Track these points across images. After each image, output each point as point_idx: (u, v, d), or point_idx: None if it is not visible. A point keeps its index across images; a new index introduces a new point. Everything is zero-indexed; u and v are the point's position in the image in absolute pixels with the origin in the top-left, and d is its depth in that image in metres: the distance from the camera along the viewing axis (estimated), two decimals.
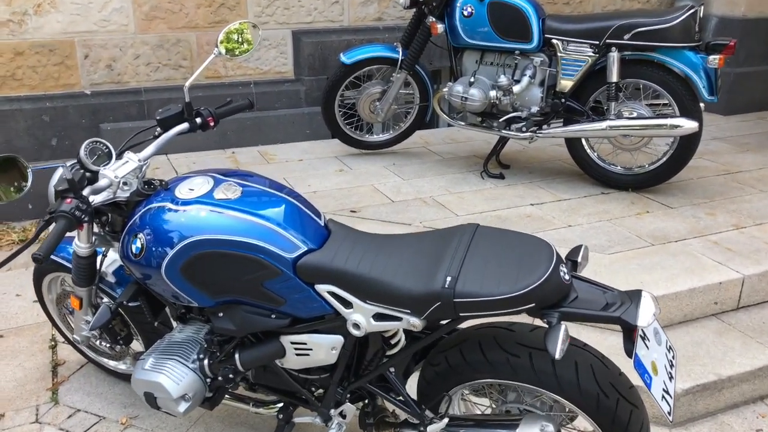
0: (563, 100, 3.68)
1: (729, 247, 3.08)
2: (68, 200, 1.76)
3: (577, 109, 3.69)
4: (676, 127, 3.41)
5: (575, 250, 1.82)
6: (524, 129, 3.77)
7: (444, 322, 1.81)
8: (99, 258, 2.27)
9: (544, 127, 3.80)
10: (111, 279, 2.36)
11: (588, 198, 3.70)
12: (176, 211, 1.89)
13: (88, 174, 2.03)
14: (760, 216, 3.44)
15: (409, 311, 1.73)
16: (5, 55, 4.11)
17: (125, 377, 2.69)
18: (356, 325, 1.84)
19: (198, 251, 1.84)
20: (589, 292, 1.69)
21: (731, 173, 4.11)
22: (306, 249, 1.85)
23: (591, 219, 3.41)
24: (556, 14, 3.88)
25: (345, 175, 4.08)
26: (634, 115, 3.60)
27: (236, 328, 1.95)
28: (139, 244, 1.90)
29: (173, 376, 1.97)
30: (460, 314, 1.66)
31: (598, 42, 3.51)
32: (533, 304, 1.62)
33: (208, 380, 2.05)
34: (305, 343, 1.94)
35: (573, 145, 3.85)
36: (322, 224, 1.97)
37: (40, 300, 2.65)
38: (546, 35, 3.65)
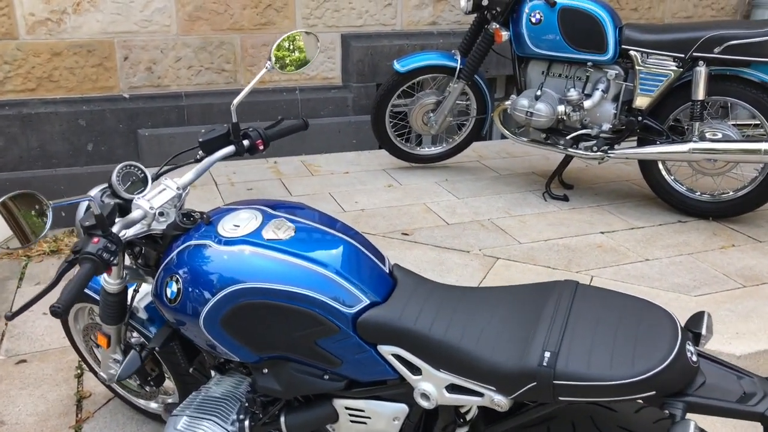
0: (640, 118, 3.33)
1: None
2: (95, 240, 1.50)
3: (655, 128, 3.34)
4: None
5: (697, 320, 1.50)
6: (595, 148, 3.43)
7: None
8: (130, 292, 2.02)
9: (616, 146, 3.45)
10: (143, 315, 2.11)
11: (664, 227, 3.35)
12: (219, 251, 1.62)
13: (119, 201, 1.79)
14: None
15: (494, 388, 1.43)
16: (42, 55, 3.92)
17: (155, 416, 2.44)
18: (425, 396, 1.55)
19: (242, 301, 1.57)
20: (720, 376, 1.37)
21: None
22: (368, 303, 1.57)
23: (670, 252, 3.06)
24: (634, 23, 3.53)
25: (395, 192, 3.80)
26: (719, 136, 3.24)
27: (283, 389, 1.67)
28: (175, 288, 1.64)
29: None
30: (559, 398, 1.36)
31: (683, 55, 3.15)
32: (653, 392, 1.31)
33: None
34: (363, 410, 1.66)
35: (647, 167, 3.50)
36: (387, 271, 1.68)
37: (66, 330, 2.41)
38: (623, 46, 3.31)
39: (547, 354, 1.35)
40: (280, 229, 1.64)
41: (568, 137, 3.50)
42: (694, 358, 1.34)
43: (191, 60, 4.18)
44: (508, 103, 3.64)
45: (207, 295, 1.59)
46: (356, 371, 1.60)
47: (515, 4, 3.49)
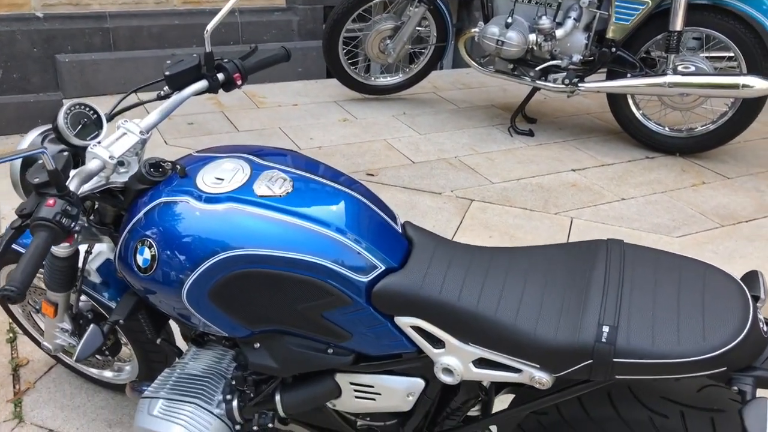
0: (613, 49, 3.17)
1: None
2: (51, 201, 1.19)
3: (628, 60, 3.19)
4: (749, 87, 2.95)
5: (751, 281, 1.36)
6: (566, 81, 3.25)
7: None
8: (81, 253, 1.72)
9: (586, 79, 3.29)
10: (95, 279, 1.81)
11: (633, 163, 3.26)
12: (202, 211, 1.35)
13: (66, 149, 1.47)
14: None
15: (536, 365, 1.26)
16: None
17: (110, 385, 2.17)
18: (448, 370, 1.37)
19: (235, 270, 1.32)
20: None
21: None
22: (383, 269, 1.35)
23: (644, 190, 2.97)
24: None
25: (351, 126, 3.52)
26: (692, 69, 3.13)
27: (279, 366, 1.45)
28: (148, 254, 1.36)
29: (195, 426, 1.48)
30: (616, 377, 1.20)
31: None
32: (724, 368, 1.17)
33: (237, 427, 1.56)
34: (371, 386, 1.47)
35: (616, 101, 3.37)
36: (400, 230, 1.46)
37: None
38: None
39: (606, 328, 1.18)
40: (275, 183, 1.38)
41: (537, 68, 3.31)
42: (766, 328, 1.20)
43: None
44: (475, 30, 3.39)
45: (191, 263, 1.32)
46: (367, 345, 1.40)
47: None
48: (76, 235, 1.50)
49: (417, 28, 3.61)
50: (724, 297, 1.20)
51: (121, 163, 1.49)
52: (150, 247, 1.35)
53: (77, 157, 1.49)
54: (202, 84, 1.56)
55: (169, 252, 1.34)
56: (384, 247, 1.37)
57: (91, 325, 1.58)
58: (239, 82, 1.60)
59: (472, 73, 4.55)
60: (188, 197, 1.37)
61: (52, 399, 2.18)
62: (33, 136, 1.51)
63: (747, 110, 3.14)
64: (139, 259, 1.37)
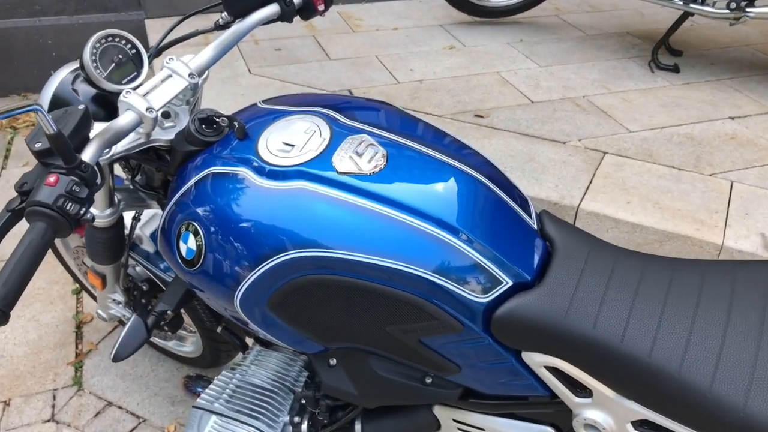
0: None
1: None
2: (52, 178, 0.85)
3: None
4: None
5: None
6: (731, 5, 2.61)
7: None
8: (127, 219, 1.42)
9: (757, 3, 2.63)
10: (148, 247, 1.52)
11: None
12: (264, 189, 0.99)
13: (98, 93, 1.15)
14: None
15: None
16: None
17: (174, 355, 1.93)
18: (593, 427, 0.98)
19: (304, 276, 0.96)
20: None
21: None
22: (511, 284, 0.95)
23: None
24: None
25: (458, 56, 3.03)
26: None
27: (360, 394, 1.10)
28: (193, 244, 1.02)
29: None
30: None
31: None
32: None
33: None
34: (482, 429, 1.10)
35: None
36: (535, 226, 1.04)
37: (53, 249, 1.83)
38: None
39: None
40: (363, 154, 0.99)
41: None
42: None
43: None
44: None
45: (248, 262, 0.97)
46: (481, 381, 1.01)
47: None
48: (106, 197, 1.18)
49: None
50: None
51: (166, 115, 1.14)
52: (195, 234, 1.01)
53: (108, 108, 1.16)
54: (271, 9, 1.17)
55: (219, 244, 0.99)
56: (513, 253, 0.96)
57: (133, 317, 1.28)
58: (321, 7, 1.19)
59: None
60: (246, 168, 1.01)
61: (113, 366, 1.96)
62: (64, 73, 1.19)
63: None
64: (183, 248, 1.03)
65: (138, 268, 1.55)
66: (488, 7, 3.32)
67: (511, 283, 0.94)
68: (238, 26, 1.16)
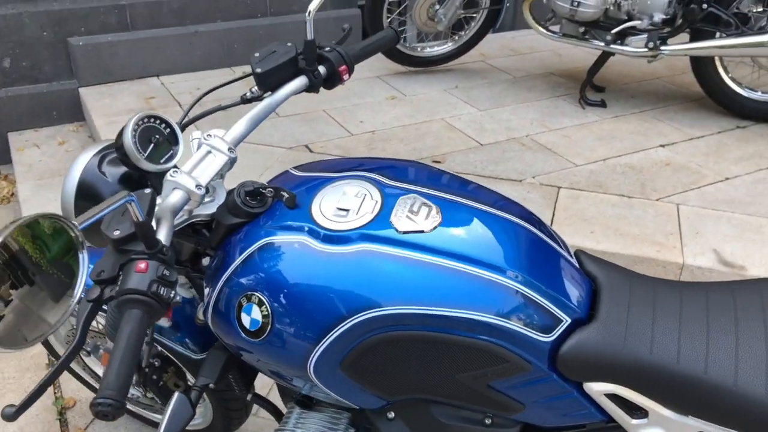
0: (704, 6, 2.79)
1: None
2: (142, 265, 0.86)
3: (722, 17, 2.81)
4: None
5: None
6: (649, 44, 2.88)
7: None
8: None
9: (670, 41, 2.92)
10: (163, 321, 1.49)
11: (725, 135, 2.90)
12: (328, 255, 1.02)
13: (131, 173, 1.16)
14: None
15: None
16: None
17: None
18: None
19: (377, 335, 0.99)
20: None
21: None
22: (569, 321, 1.02)
23: (746, 167, 2.63)
24: None
25: (401, 105, 3.16)
26: None
27: None
28: (258, 315, 1.03)
29: None
30: None
31: None
32: None
33: None
34: None
35: (702, 64, 2.99)
36: (576, 264, 1.13)
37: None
38: None
39: None
40: (418, 213, 1.04)
41: (613, 31, 2.93)
42: None
43: None
44: None
45: (321, 328, 1.00)
46: (543, 416, 1.08)
47: None
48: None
49: None
50: None
51: (207, 191, 1.16)
52: (260, 305, 1.03)
53: (142, 180, 1.16)
54: (300, 81, 1.21)
55: (287, 314, 1.01)
56: (566, 293, 1.04)
57: (176, 394, 1.25)
58: (345, 77, 1.25)
59: (518, 37, 4.17)
60: (305, 236, 1.04)
61: None
62: (87, 158, 1.18)
63: None
64: (245, 320, 1.04)
65: (144, 347, 1.51)
66: (421, 57, 3.49)
67: (570, 320, 1.01)
68: (269, 100, 1.19)
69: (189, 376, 1.56)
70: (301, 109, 3.09)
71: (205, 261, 1.22)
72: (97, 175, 1.15)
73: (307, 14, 1.16)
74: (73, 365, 1.83)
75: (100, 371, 1.84)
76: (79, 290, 0.84)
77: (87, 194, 1.15)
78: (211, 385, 1.24)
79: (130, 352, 0.81)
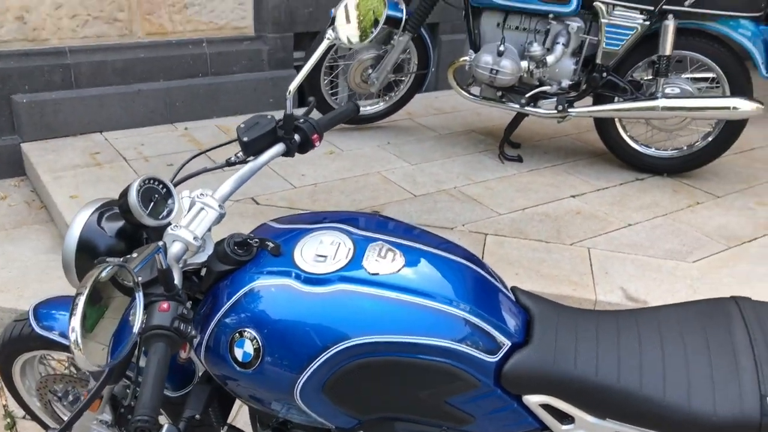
0: (604, 74, 3.20)
1: None
2: (165, 305, 1.03)
3: (619, 84, 3.22)
4: (738, 109, 3.04)
5: None
6: (558, 107, 3.25)
7: None
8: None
9: (576, 104, 3.31)
10: (142, 362, 1.63)
11: (627, 186, 3.29)
12: (310, 295, 1.21)
13: (126, 228, 1.32)
14: None
15: None
16: None
17: None
18: None
19: (356, 361, 1.19)
20: None
21: (746, 151, 3.86)
22: (510, 345, 1.26)
23: (646, 214, 3.00)
24: None
25: (340, 159, 3.40)
26: (677, 91, 3.20)
27: None
28: (250, 348, 1.21)
29: None
30: None
31: (652, 7, 3.02)
32: None
33: None
34: None
35: (604, 124, 3.40)
36: (513, 297, 1.37)
37: (8, 386, 1.83)
38: None
39: None
40: (386, 258, 1.26)
41: (527, 95, 3.29)
42: None
43: (75, 7, 3.39)
44: (465, 59, 3.34)
45: (306, 357, 1.18)
46: (488, 426, 1.29)
47: None
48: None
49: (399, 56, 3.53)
50: None
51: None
52: (252, 340, 1.21)
53: (137, 237, 1.33)
54: (279, 148, 1.42)
55: (277, 346, 1.19)
56: (506, 321, 1.27)
57: (166, 425, 1.40)
58: (317, 144, 1.46)
59: (441, 97, 4.52)
60: (289, 279, 1.23)
61: None
62: (86, 215, 1.33)
63: (731, 130, 3.24)
64: (238, 353, 1.22)
65: (117, 388, 1.63)
66: (359, 114, 3.75)
67: (510, 344, 1.24)
68: (252, 164, 1.39)
69: (164, 416, 1.68)
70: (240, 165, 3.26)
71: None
72: (97, 230, 1.31)
73: (287, 93, 1.38)
74: (40, 413, 1.91)
75: (66, 416, 1.92)
76: (138, 323, 0.99)
77: (87, 247, 1.31)
78: (197, 416, 1.39)
79: (158, 378, 0.97)
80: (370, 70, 3.56)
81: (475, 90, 3.50)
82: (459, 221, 2.83)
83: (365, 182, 3.15)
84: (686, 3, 2.98)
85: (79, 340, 0.91)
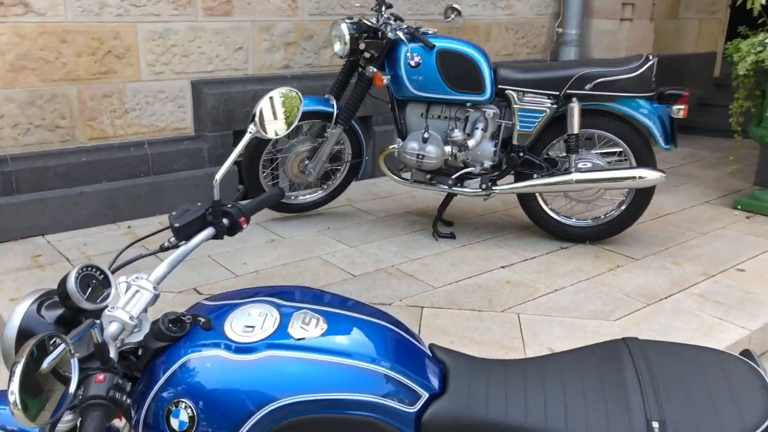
0: (521, 154, 3.47)
1: (717, 300, 3.03)
2: (101, 377, 1.13)
3: (535, 162, 3.50)
4: (643, 178, 3.34)
5: (749, 357, 1.52)
6: (484, 186, 3.50)
7: None
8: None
9: (499, 182, 3.56)
10: (117, 422, 1.68)
11: (552, 255, 3.51)
12: (239, 362, 1.32)
13: (66, 313, 1.41)
14: (718, 261, 3.47)
15: None
16: None
17: None
18: None
19: (284, 420, 1.29)
20: None
21: (661, 216, 4.17)
22: (428, 396, 1.38)
23: (570, 279, 3.20)
24: (505, 63, 3.71)
25: (281, 247, 3.53)
26: (589, 165, 3.49)
27: None
28: (185, 417, 1.30)
29: None
30: None
31: (558, 92, 3.35)
32: None
33: None
34: None
35: (526, 199, 3.65)
36: (429, 353, 1.50)
37: None
38: (499, 86, 3.44)
39: (656, 424, 1.27)
40: (309, 324, 1.38)
41: (453, 176, 3.53)
42: None
43: (17, 117, 3.52)
44: (393, 146, 3.58)
45: (237, 420, 1.28)
46: None
47: (392, 47, 3.47)
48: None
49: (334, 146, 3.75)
50: (745, 378, 1.34)
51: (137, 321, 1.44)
52: (186, 408, 1.30)
53: (75, 319, 1.42)
54: (209, 231, 1.55)
55: (210, 412, 1.29)
56: (423, 373, 1.40)
57: None
58: (244, 226, 1.60)
59: (379, 183, 4.75)
60: (220, 350, 1.34)
61: None
62: (26, 306, 1.42)
63: (642, 198, 3.53)
64: (174, 423, 1.31)
65: None
66: (295, 204, 3.93)
67: (428, 395, 1.36)
68: (184, 248, 1.51)
69: None
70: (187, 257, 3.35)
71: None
72: (37, 318, 1.39)
73: (214, 181, 1.53)
74: None
75: None
76: (73, 387, 1.08)
77: (27, 335, 1.39)
78: None
79: None
80: (306, 161, 3.76)
81: (407, 175, 3.72)
82: (396, 297, 2.97)
83: (306, 266, 3.28)
84: (587, 87, 3.32)
85: (18, 402, 0.99)
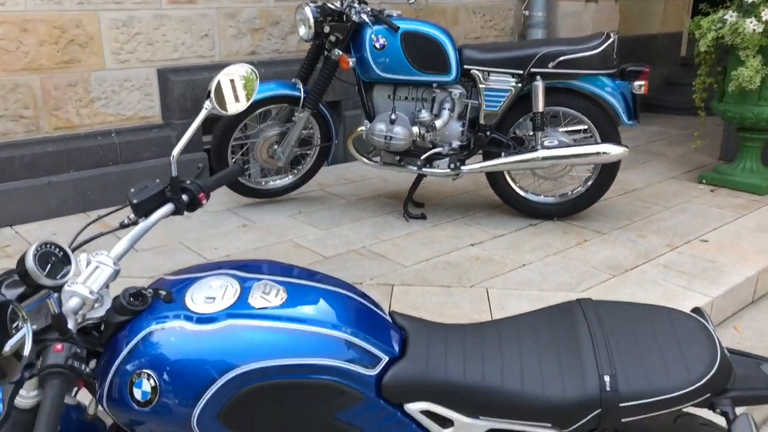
0: (488, 133, 3.51)
1: (681, 270, 3.10)
2: (59, 347, 1.14)
3: (502, 141, 3.54)
4: (607, 153, 3.39)
5: (700, 314, 1.58)
6: (452, 166, 3.53)
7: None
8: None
9: (467, 162, 3.60)
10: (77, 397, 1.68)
11: (521, 231, 3.56)
12: (200, 332, 1.34)
13: (27, 290, 1.41)
14: (683, 233, 3.55)
15: (548, 424, 1.36)
16: None
17: None
18: None
19: (246, 387, 1.31)
20: (743, 365, 1.45)
21: (628, 192, 4.25)
22: (387, 359, 1.41)
23: (538, 254, 3.26)
24: (470, 44, 3.73)
25: (253, 231, 3.54)
26: (555, 143, 3.54)
27: None
28: (147, 387, 1.31)
29: None
30: (623, 420, 1.33)
31: (522, 71, 3.39)
32: (708, 394, 1.34)
33: None
34: None
35: (495, 178, 3.69)
36: (390, 320, 1.53)
37: None
38: (464, 66, 3.47)
39: (607, 378, 1.32)
40: (269, 294, 1.41)
41: (422, 157, 3.56)
42: (728, 354, 1.40)
43: None
44: (362, 129, 3.60)
45: (199, 389, 1.30)
46: None
47: (357, 30, 3.48)
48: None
49: (302, 131, 3.76)
50: (693, 333, 1.40)
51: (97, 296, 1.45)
52: (149, 379, 1.32)
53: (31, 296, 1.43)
54: (168, 208, 1.56)
55: (171, 381, 1.30)
56: (383, 338, 1.43)
57: None
58: (204, 202, 1.62)
59: (351, 167, 4.77)
60: (180, 321, 1.36)
61: None
62: None
63: (607, 173, 3.59)
64: (137, 393, 1.32)
65: None
66: (266, 189, 3.93)
67: (388, 358, 1.39)
68: (143, 224, 1.52)
69: None
70: (156, 243, 3.36)
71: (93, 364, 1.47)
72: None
73: (171, 157, 1.54)
74: None
75: None
76: (27, 350, 1.09)
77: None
78: None
79: (53, 417, 1.07)
80: (275, 146, 3.76)
81: (377, 157, 3.75)
82: (368, 276, 3.00)
83: (277, 250, 3.30)
84: (550, 65, 3.36)
85: None
